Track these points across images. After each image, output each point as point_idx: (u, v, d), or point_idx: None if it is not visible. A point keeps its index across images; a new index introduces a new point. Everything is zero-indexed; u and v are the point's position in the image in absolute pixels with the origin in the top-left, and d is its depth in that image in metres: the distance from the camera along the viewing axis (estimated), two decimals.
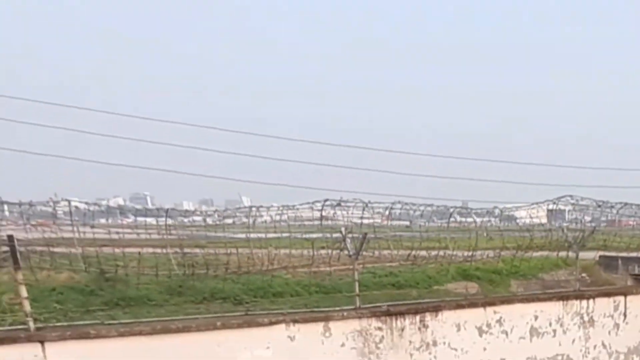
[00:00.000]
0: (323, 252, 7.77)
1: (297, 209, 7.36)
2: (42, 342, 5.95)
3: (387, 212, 8.23)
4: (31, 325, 5.88)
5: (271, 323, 7.44)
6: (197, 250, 6.99)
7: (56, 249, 6.26)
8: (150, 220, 7.02)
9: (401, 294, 9.71)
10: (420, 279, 10.63)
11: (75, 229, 6.13)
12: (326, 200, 7.51)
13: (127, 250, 6.68)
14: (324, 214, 7.50)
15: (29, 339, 5.89)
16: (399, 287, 10.36)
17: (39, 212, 6.10)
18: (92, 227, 6.21)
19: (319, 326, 7.85)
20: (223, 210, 7.23)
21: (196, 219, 7.26)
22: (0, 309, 5.94)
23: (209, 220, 7.37)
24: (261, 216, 7.80)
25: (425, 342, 9.02)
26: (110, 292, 6.91)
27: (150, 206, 6.73)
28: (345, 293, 8.55)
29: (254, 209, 7.02)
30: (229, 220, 7.41)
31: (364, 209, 8.02)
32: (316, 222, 7.67)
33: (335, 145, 8.99)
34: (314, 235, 8.09)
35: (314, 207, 7.39)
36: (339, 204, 7.66)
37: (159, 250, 6.96)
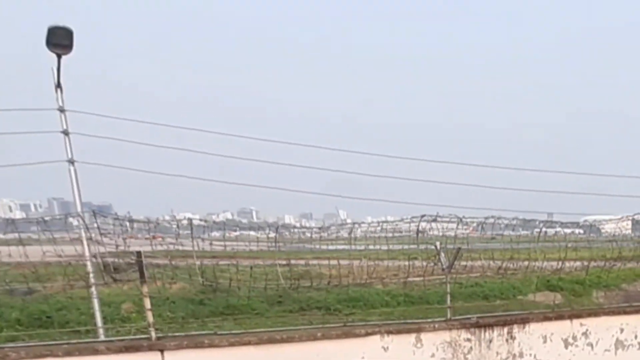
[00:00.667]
0: (417, 263, 7.83)
1: (396, 224, 7.47)
2: (161, 351, 6.26)
3: (479, 227, 8.21)
4: (153, 335, 6.19)
5: (367, 334, 7.56)
6: (301, 262, 7.17)
7: (172, 261, 6.53)
8: (255, 233, 7.25)
9: (489, 306, 9.70)
10: (505, 289, 10.64)
11: (193, 242, 6.39)
12: (423, 215, 7.57)
13: (233, 261, 6.91)
14: (420, 227, 7.56)
15: (151, 348, 6.21)
16: (484, 297, 10.36)
17: (159, 227, 6.39)
18: (205, 240, 6.44)
19: (411, 337, 7.93)
20: (327, 227, 7.38)
21: (296, 231, 7.44)
22: (119, 318, 6.24)
23: (309, 233, 7.54)
24: (358, 228, 7.94)
25: (512, 353, 8.97)
26: (217, 302, 7.20)
27: (255, 220, 6.95)
28: (435, 305, 8.60)
29: (353, 224, 7.15)
30: (326, 234, 7.57)
31: (458, 224, 8.04)
32: (412, 234, 7.74)
33: (426, 161, 8.99)
34: (407, 247, 8.16)
35: (411, 222, 7.47)
36: (435, 220, 7.72)
37: (260, 262, 7.16)
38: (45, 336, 6.27)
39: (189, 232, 6.70)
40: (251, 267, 6.46)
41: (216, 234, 7.12)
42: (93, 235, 6.05)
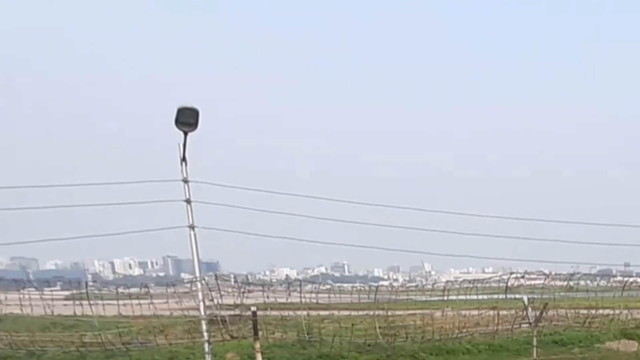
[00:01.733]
0: (504, 313, 7.94)
1: (487, 282, 7.66)
2: None
3: (566, 282, 8.34)
4: None
5: None
6: (389, 312, 7.39)
7: (271, 312, 6.83)
8: (346, 285, 7.50)
9: (568, 355, 9.65)
10: (583, 337, 10.53)
11: (290, 295, 6.69)
12: (512, 273, 7.78)
13: (329, 312, 7.16)
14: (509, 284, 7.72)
15: None
16: (562, 344, 10.28)
17: (257, 280, 6.71)
18: (301, 292, 6.70)
19: None
20: (427, 283, 7.57)
21: (384, 283, 7.65)
22: None
23: (396, 285, 7.74)
24: (440, 282, 8.12)
25: None
26: (310, 351, 7.45)
27: (347, 273, 7.21)
28: (522, 357, 8.62)
29: (446, 282, 7.34)
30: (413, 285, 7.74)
31: (545, 280, 8.20)
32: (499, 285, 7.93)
33: (510, 219, 9.15)
34: (494, 296, 8.29)
35: (501, 280, 7.66)
36: (522, 276, 7.92)
37: (353, 313, 7.39)
38: None
39: (285, 285, 7.01)
40: (339, 324, 6.64)
41: (310, 286, 7.43)
42: (209, 293, 6.41)
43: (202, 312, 6.24)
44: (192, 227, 6.39)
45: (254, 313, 6.07)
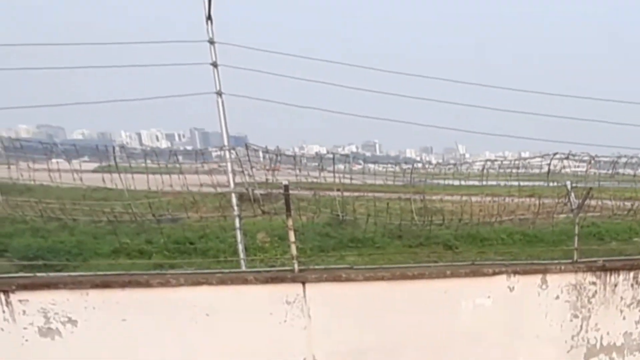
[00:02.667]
0: (537, 201, 7.54)
1: (528, 162, 7.13)
2: (303, 283, 6.51)
3: (609, 170, 7.76)
4: (296, 267, 6.42)
5: (494, 273, 7.49)
6: (421, 196, 7.09)
7: (302, 192, 6.59)
8: (377, 167, 7.21)
9: (606, 248, 9.35)
10: (621, 230, 10.16)
11: (323, 173, 6.41)
12: (555, 153, 7.18)
13: (359, 194, 6.91)
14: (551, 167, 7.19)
15: (293, 280, 6.46)
16: (600, 237, 9.98)
17: (285, 159, 6.42)
18: (331, 172, 6.42)
19: (536, 278, 7.80)
20: (460, 163, 7.19)
21: (417, 165, 7.30)
22: (254, 247, 6.47)
23: (429, 168, 7.40)
24: (472, 168, 7.69)
25: (636, 299, 8.68)
26: (342, 235, 7.33)
27: (378, 153, 6.88)
28: (562, 247, 8.37)
29: (486, 161, 6.92)
30: (446, 168, 7.40)
31: (589, 162, 7.57)
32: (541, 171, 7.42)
33: (558, 95, 8.41)
34: (535, 184, 7.87)
35: (542, 160, 7.11)
36: (567, 157, 7.29)
37: (382, 196, 7.11)
38: (190, 263, 6.66)
39: (316, 164, 6.72)
40: (374, 203, 6.43)
41: (340, 166, 7.12)
42: (237, 167, 6.17)
43: (232, 184, 6.04)
44: (219, 93, 6.03)
45: (286, 187, 5.82)
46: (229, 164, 6.01)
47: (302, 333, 6.84)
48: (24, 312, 5.73)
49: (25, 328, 5.80)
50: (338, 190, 6.61)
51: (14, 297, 5.64)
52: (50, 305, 5.77)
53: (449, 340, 7.64)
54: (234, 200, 6.07)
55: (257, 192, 6.09)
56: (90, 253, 6.16)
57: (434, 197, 7.61)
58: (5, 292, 5.57)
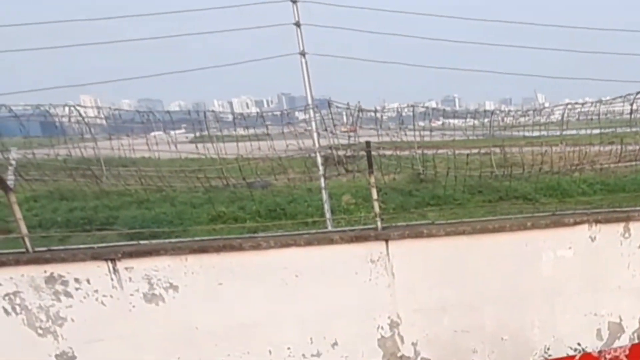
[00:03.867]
0: (629, 148, 7.31)
1: (610, 103, 6.89)
2: (386, 240, 6.65)
3: None
4: (379, 225, 6.55)
5: (575, 223, 7.41)
6: (500, 149, 7.04)
7: (384, 152, 6.65)
8: (458, 121, 7.18)
9: None
10: None
11: (402, 131, 6.46)
12: (638, 92, 6.89)
13: (438, 151, 6.92)
14: (634, 107, 6.92)
15: (377, 238, 6.60)
16: None
17: (365, 120, 6.49)
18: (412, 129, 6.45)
19: (619, 227, 7.65)
20: (539, 109, 7.08)
21: (495, 118, 7.23)
22: (340, 209, 6.61)
23: (508, 119, 7.31)
24: (553, 114, 7.52)
25: None
26: (423, 193, 7.39)
27: (457, 108, 6.85)
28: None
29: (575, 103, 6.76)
30: (525, 118, 7.29)
31: None
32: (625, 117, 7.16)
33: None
34: (620, 130, 7.63)
35: (624, 101, 6.85)
36: None
37: (465, 151, 7.09)
38: (280, 227, 6.90)
39: (397, 122, 6.76)
40: (454, 159, 6.43)
41: (421, 123, 7.14)
42: (321, 130, 6.30)
43: (316, 143, 6.18)
44: (302, 53, 6.15)
45: (368, 144, 5.92)
46: (313, 123, 6.14)
47: (386, 291, 6.99)
48: (130, 279, 6.11)
49: (131, 295, 6.18)
50: (418, 148, 6.67)
51: (121, 265, 6.02)
52: (153, 271, 6.13)
53: (530, 293, 7.63)
54: (319, 160, 6.21)
55: (341, 152, 6.21)
56: (189, 222, 6.51)
57: (513, 149, 7.52)
58: (112, 260, 5.95)
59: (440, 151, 6.74)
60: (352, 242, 6.54)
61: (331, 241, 6.44)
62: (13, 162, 5.35)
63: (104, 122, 5.84)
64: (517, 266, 7.36)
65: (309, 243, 6.39)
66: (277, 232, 6.57)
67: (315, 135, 6.25)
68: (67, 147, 5.63)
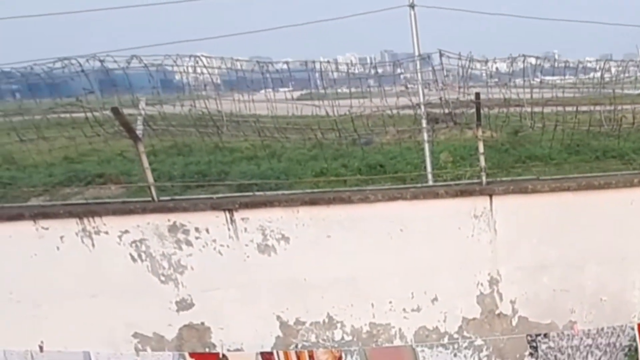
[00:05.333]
0: None
1: None
2: (490, 195, 6.65)
3: None
4: (484, 179, 6.56)
5: None
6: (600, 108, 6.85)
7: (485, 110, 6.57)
8: (557, 78, 7.03)
9: None
10: None
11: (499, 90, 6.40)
12: None
13: (536, 109, 6.81)
14: None
15: (481, 192, 6.62)
16: None
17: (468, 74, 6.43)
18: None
19: None
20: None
21: (595, 75, 7.04)
22: (438, 167, 6.64)
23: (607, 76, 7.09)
24: None
25: None
26: (520, 151, 7.33)
27: (557, 65, 6.71)
28: None
29: None
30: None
31: None
32: None
33: None
34: None
35: None
36: None
37: (560, 108, 6.93)
38: (381, 183, 7.01)
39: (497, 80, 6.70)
40: (556, 117, 6.32)
41: (520, 80, 7.05)
42: (425, 87, 6.35)
43: (422, 97, 6.22)
44: (411, 5, 6.19)
45: (477, 95, 5.90)
46: (419, 75, 6.17)
47: (488, 247, 7.02)
48: (245, 229, 6.39)
49: (246, 245, 6.47)
50: (516, 105, 6.60)
51: (237, 216, 6.30)
52: (266, 222, 6.39)
53: (633, 253, 7.47)
54: (423, 109, 6.24)
55: (443, 110, 6.24)
56: (295, 178, 6.72)
57: (612, 107, 7.33)
58: (230, 210, 6.23)
59: (537, 109, 6.63)
60: (457, 196, 6.58)
61: (436, 195, 6.51)
62: (142, 112, 5.66)
63: (218, 79, 6.08)
64: (621, 225, 7.21)
65: (414, 197, 6.49)
66: (385, 186, 6.68)
67: (420, 88, 6.27)
68: (183, 102, 5.92)
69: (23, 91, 6.05)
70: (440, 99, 5.97)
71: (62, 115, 5.69)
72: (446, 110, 6.56)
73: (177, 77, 5.93)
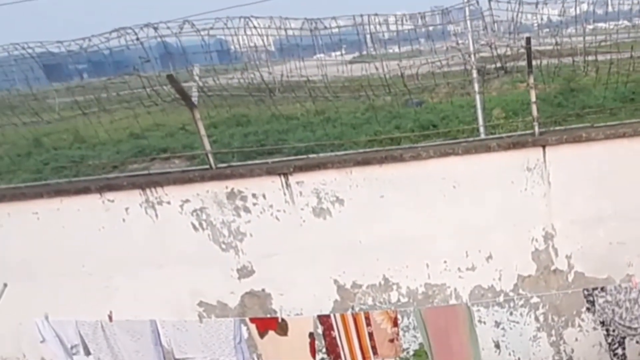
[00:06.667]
0: None
1: None
2: (543, 146, 6.60)
3: None
4: (536, 129, 6.52)
5: None
6: None
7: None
8: (608, 25, 6.89)
9: None
10: None
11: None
12: None
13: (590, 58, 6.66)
14: None
15: (534, 144, 6.58)
16: None
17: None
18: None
19: None
20: None
21: None
22: (490, 124, 6.61)
23: None
24: None
25: None
26: (573, 103, 7.21)
27: (610, 9, 6.57)
28: None
29: None
30: None
31: None
32: None
33: None
34: None
35: None
36: None
37: (614, 56, 6.76)
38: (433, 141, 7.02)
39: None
40: (609, 65, 6.19)
41: (570, 29, 6.92)
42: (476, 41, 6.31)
43: (471, 46, 6.19)
44: None
45: (528, 40, 5.81)
46: (468, 23, 6.13)
47: (541, 201, 6.96)
48: (301, 193, 6.51)
49: (302, 209, 6.60)
50: (568, 55, 6.52)
51: (292, 180, 6.43)
52: (321, 185, 6.50)
53: None
54: (473, 59, 6.20)
55: (494, 55, 6.13)
56: (348, 144, 6.81)
57: None
58: (285, 175, 6.37)
59: (589, 58, 6.52)
60: (509, 149, 6.55)
61: (488, 149, 6.50)
62: (196, 78, 5.82)
63: (271, 45, 6.20)
64: None
65: (466, 151, 6.49)
66: (436, 142, 6.70)
67: (470, 37, 6.24)
68: (237, 69, 6.06)
69: (89, 70, 6.32)
70: (490, 45, 5.91)
71: (121, 92, 5.91)
72: (496, 58, 6.45)
73: (232, 47, 6.08)
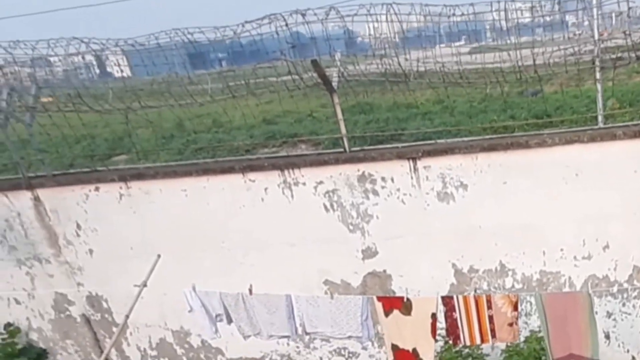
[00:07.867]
0: None
1: None
2: None
3: None
4: None
5: None
6: None
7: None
8: None
9: None
10: None
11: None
12: None
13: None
14: None
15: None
16: None
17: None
18: None
19: None
20: None
21: None
22: (606, 114, 6.69)
23: None
24: None
25: None
26: None
27: None
28: None
29: None
30: None
31: None
32: None
33: None
34: None
35: None
36: None
37: None
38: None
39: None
40: None
41: None
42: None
43: (595, 33, 6.26)
44: None
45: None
46: (595, 10, 6.21)
47: None
48: (427, 177, 6.80)
49: (427, 193, 6.88)
50: None
51: (420, 164, 6.73)
52: (447, 170, 6.77)
53: None
54: (596, 48, 6.27)
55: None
56: (464, 132, 7.06)
57: None
58: (413, 159, 6.68)
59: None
60: (635, 137, 6.62)
61: (614, 137, 6.60)
62: (338, 64, 6.22)
63: (396, 37, 6.55)
64: None
65: (591, 139, 6.61)
66: (562, 129, 6.86)
67: (596, 27, 6.32)
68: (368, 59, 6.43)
69: (229, 59, 6.86)
70: (625, 32, 5.97)
71: (261, 79, 6.38)
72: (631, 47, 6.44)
73: (366, 35, 6.46)
